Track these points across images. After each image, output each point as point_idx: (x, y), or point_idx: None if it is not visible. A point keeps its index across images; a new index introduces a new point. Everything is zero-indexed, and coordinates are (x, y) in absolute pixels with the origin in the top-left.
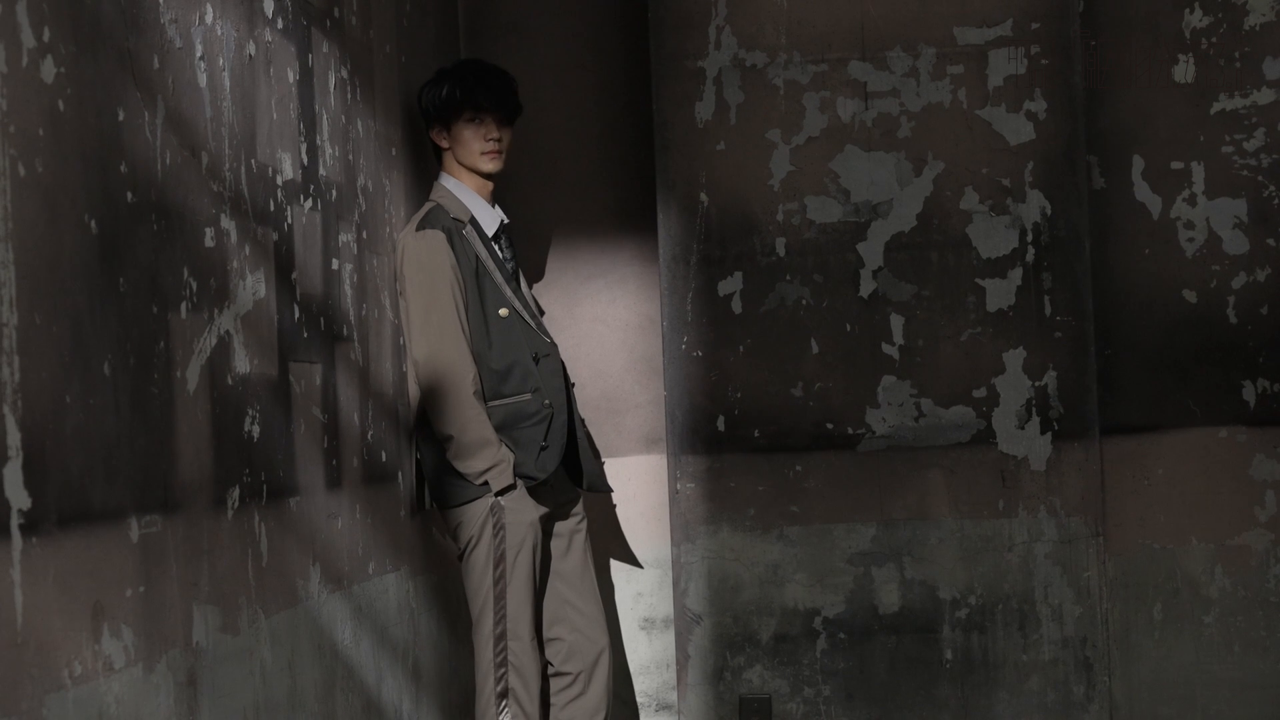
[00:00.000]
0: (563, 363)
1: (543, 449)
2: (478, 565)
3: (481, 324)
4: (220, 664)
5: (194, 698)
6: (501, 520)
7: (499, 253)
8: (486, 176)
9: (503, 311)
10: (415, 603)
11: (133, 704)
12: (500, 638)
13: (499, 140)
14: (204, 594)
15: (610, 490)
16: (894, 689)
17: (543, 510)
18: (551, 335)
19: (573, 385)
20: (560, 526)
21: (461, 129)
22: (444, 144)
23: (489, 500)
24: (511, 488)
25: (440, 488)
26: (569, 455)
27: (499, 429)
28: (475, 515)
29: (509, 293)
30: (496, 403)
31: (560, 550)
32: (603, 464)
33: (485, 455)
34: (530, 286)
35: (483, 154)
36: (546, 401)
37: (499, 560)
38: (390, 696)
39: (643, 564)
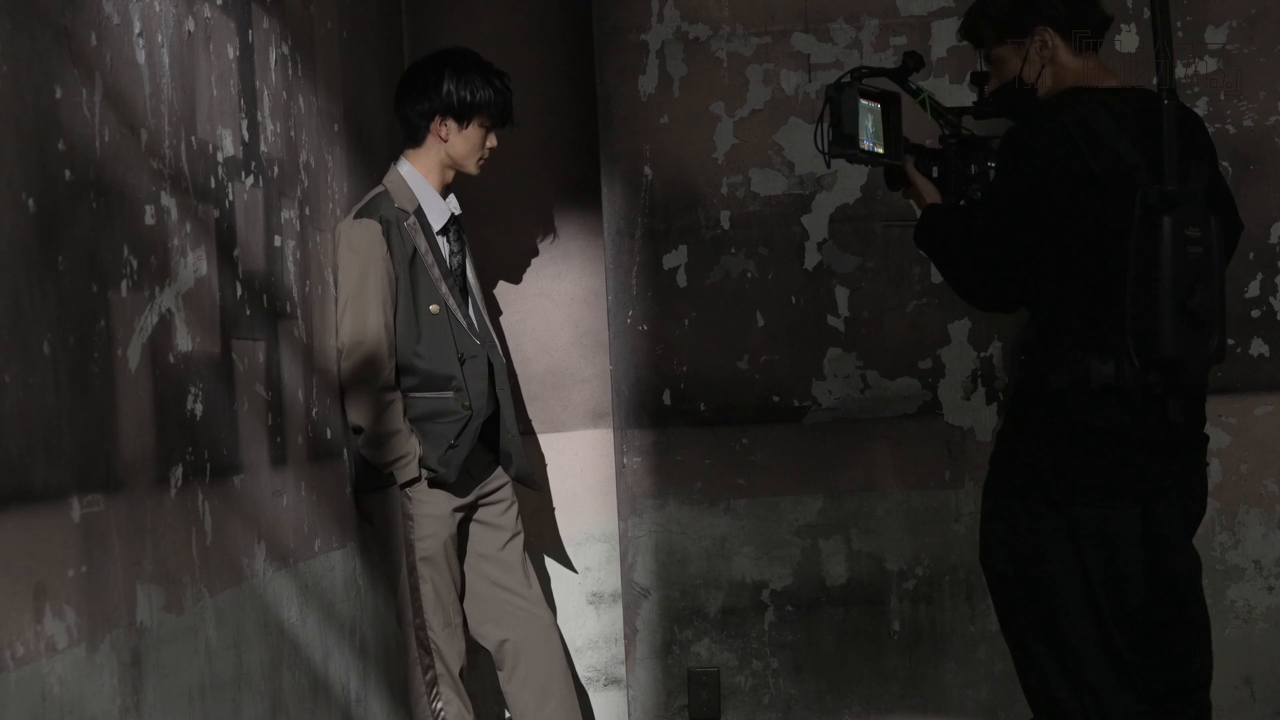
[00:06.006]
0: (493, 363)
1: (451, 447)
2: (391, 553)
3: (412, 317)
4: (164, 643)
5: (138, 678)
6: (409, 511)
7: (442, 246)
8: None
9: (433, 308)
10: (361, 579)
11: (76, 684)
12: (421, 628)
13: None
14: (147, 573)
15: (538, 489)
16: (842, 661)
17: (458, 502)
18: (491, 334)
19: (509, 384)
20: (486, 513)
21: (475, 132)
22: (444, 135)
23: (397, 490)
24: (417, 480)
25: (356, 472)
26: (495, 445)
27: (415, 421)
28: (386, 503)
29: (444, 289)
30: (417, 395)
31: (490, 538)
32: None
33: (392, 447)
34: (480, 282)
35: (479, 160)
36: (466, 404)
37: (409, 550)
38: (337, 673)
39: (589, 539)
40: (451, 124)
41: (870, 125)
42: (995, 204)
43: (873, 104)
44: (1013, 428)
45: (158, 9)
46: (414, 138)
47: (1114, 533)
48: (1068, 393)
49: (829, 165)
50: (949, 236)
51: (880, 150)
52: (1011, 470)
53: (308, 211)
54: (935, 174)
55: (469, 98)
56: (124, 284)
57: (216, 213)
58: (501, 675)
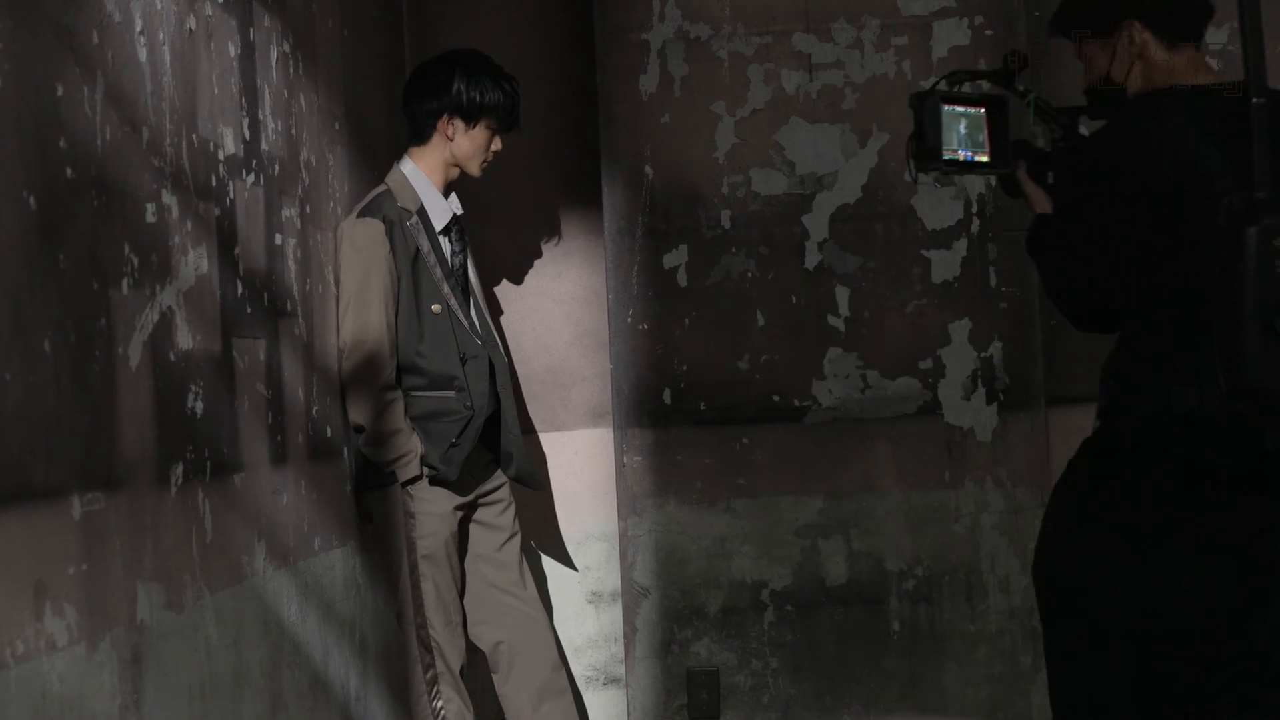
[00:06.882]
0: (494, 363)
1: (452, 445)
2: (391, 552)
3: (414, 317)
4: (165, 642)
5: (138, 676)
6: (411, 509)
7: (444, 246)
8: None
9: (435, 307)
10: (361, 578)
11: (76, 682)
12: (423, 626)
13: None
14: (148, 571)
15: (539, 488)
16: (842, 661)
17: (459, 500)
18: (493, 333)
19: (510, 384)
20: (485, 514)
21: (482, 134)
22: (450, 135)
23: (398, 488)
24: (418, 479)
25: (356, 470)
26: (494, 444)
27: (417, 420)
28: (386, 501)
29: (445, 289)
30: (419, 394)
31: (488, 538)
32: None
33: (393, 445)
34: (480, 281)
35: (483, 162)
36: (468, 404)
37: (410, 548)
38: (337, 672)
39: (589, 538)
40: (459, 123)
41: (964, 132)
42: (1070, 217)
43: (971, 109)
44: (1097, 449)
45: (159, 7)
46: (420, 135)
47: (1197, 578)
48: (1150, 422)
49: (915, 181)
50: (1050, 249)
51: (984, 159)
52: (1089, 493)
53: (309, 210)
54: (1050, 179)
55: (479, 98)
56: (125, 282)
57: (217, 211)
58: (496, 678)
